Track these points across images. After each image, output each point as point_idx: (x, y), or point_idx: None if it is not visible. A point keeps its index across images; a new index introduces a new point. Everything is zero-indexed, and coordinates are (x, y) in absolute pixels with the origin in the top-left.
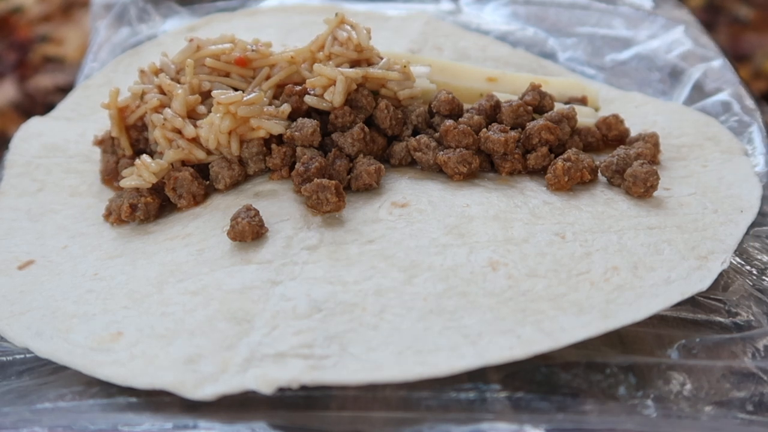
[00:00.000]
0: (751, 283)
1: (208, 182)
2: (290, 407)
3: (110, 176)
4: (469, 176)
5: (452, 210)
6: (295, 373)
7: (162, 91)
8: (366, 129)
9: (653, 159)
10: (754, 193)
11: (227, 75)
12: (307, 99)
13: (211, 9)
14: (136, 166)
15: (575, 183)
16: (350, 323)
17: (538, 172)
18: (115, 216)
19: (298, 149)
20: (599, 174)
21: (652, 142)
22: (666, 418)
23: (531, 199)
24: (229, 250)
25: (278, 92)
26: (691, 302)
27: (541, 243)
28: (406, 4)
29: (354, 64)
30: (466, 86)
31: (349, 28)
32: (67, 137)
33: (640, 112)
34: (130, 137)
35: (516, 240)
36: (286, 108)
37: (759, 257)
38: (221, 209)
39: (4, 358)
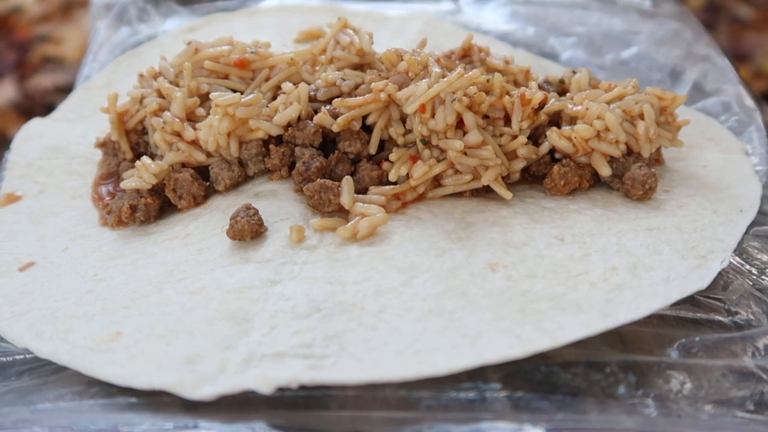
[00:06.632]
0: (750, 283)
1: (208, 183)
2: (290, 407)
3: (104, 179)
4: None
5: (452, 216)
6: (294, 373)
7: (161, 95)
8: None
9: (657, 159)
10: (754, 193)
11: (226, 77)
12: (316, 118)
13: (211, 9)
14: (136, 167)
15: (573, 187)
16: (349, 323)
17: (537, 179)
18: (115, 217)
19: (297, 149)
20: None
21: None
22: (666, 417)
23: (530, 205)
24: (228, 250)
25: (277, 93)
26: (691, 301)
27: (540, 245)
28: (406, 4)
29: (355, 68)
30: None
31: (351, 32)
32: (68, 139)
33: None
34: (130, 141)
35: (515, 243)
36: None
37: (759, 257)
38: (221, 210)
39: (4, 359)
